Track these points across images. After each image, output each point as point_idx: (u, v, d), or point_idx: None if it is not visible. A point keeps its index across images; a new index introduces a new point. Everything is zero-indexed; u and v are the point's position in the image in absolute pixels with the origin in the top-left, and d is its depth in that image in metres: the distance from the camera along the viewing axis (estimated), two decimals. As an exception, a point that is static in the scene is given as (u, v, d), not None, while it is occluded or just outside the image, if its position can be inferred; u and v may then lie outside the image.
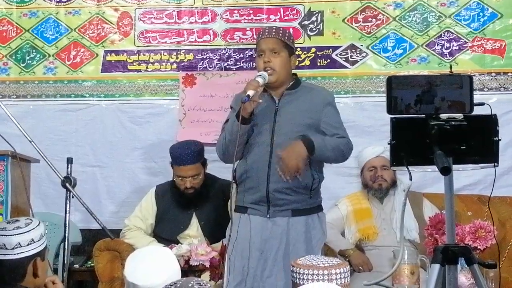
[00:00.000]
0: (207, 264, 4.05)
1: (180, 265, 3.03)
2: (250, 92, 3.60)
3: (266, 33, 3.87)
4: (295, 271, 2.61)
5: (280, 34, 3.85)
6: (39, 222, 2.83)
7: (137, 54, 5.60)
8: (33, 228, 2.79)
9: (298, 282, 2.59)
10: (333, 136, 3.79)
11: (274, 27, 3.95)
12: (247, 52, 5.40)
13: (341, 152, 3.79)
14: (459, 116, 2.52)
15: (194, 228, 4.56)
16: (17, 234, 2.76)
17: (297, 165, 3.64)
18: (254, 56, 4.44)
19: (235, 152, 3.66)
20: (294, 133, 3.75)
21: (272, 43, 3.82)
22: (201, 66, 5.55)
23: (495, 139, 2.57)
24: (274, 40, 3.82)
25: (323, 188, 4.52)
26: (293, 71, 3.99)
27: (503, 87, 5.31)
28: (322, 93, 3.98)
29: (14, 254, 2.75)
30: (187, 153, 4.46)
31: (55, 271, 4.43)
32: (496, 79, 5.32)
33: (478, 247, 3.92)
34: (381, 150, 4.71)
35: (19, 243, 2.75)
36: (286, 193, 3.75)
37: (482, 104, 2.62)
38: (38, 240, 2.80)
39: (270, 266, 3.74)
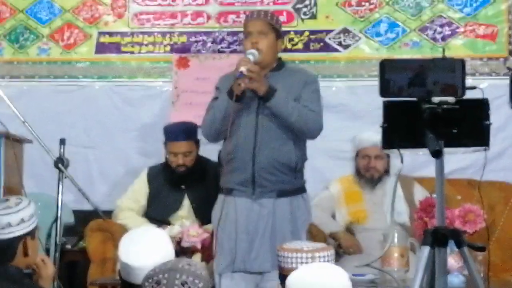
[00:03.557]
0: (199, 246, 4.06)
1: (172, 246, 3.03)
2: (243, 69, 3.60)
3: (254, 15, 3.91)
4: (280, 254, 2.64)
5: (268, 17, 3.88)
6: (30, 202, 2.82)
7: (131, 36, 5.57)
8: (23, 208, 2.78)
9: (282, 265, 2.63)
10: (304, 107, 3.77)
11: (262, 10, 3.97)
12: (240, 35, 5.34)
13: (303, 119, 3.73)
14: (451, 99, 2.51)
15: (186, 209, 4.57)
16: (7, 214, 2.74)
17: (254, 77, 3.63)
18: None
19: (228, 130, 3.67)
20: None
21: (260, 25, 3.83)
22: (194, 49, 5.52)
23: (486, 123, 2.57)
24: (261, 22, 3.84)
25: (314, 171, 4.54)
26: (285, 54, 3.99)
27: (494, 72, 5.30)
28: (304, 74, 4.01)
29: (5, 233, 2.73)
30: (180, 129, 4.51)
31: (47, 251, 4.42)
32: (487, 64, 5.31)
33: (468, 230, 3.93)
34: (378, 138, 4.67)
35: (9, 223, 2.74)
36: (271, 173, 3.76)
37: (474, 88, 2.62)
38: (29, 220, 2.78)
39: (256, 248, 3.75)
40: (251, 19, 3.89)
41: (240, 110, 3.77)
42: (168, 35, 5.55)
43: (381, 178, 4.71)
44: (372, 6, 5.42)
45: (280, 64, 3.93)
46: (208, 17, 5.52)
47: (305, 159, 3.90)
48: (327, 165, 5.19)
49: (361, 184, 4.75)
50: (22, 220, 2.77)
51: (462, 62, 2.56)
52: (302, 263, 2.54)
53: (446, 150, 2.49)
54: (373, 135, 4.68)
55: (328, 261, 2.58)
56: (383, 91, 2.55)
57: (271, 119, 3.77)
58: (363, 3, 5.42)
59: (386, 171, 4.72)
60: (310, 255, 2.55)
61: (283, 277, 2.61)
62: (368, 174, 4.71)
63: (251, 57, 3.72)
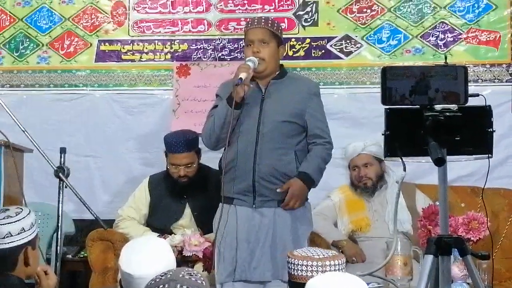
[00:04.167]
0: (200, 255, 4.05)
1: (173, 256, 3.02)
2: (243, 75, 3.62)
3: (255, 23, 3.88)
4: (290, 261, 2.64)
5: (269, 24, 3.85)
6: (30, 211, 2.82)
7: (131, 44, 5.59)
8: (24, 217, 2.78)
9: (293, 272, 2.62)
10: (317, 144, 3.85)
11: (263, 17, 3.96)
12: (241, 42, 5.35)
13: (326, 164, 3.91)
14: (454, 107, 2.51)
15: (187, 218, 4.56)
16: (8, 223, 2.74)
17: (300, 203, 3.79)
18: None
19: (227, 137, 3.69)
20: (280, 123, 3.78)
21: (261, 33, 3.82)
22: (195, 56, 5.53)
23: (489, 130, 2.57)
24: (263, 30, 3.83)
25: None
26: (287, 61, 3.99)
27: (497, 79, 5.30)
28: (307, 83, 4.04)
29: (5, 243, 2.73)
30: (181, 141, 4.47)
31: (48, 261, 4.42)
32: (490, 70, 5.31)
33: (471, 238, 3.92)
34: (361, 147, 4.67)
35: (10, 232, 2.74)
36: (272, 182, 3.75)
37: (477, 95, 2.62)
38: (29, 229, 2.78)
39: (257, 257, 3.74)
40: (252, 27, 3.87)
41: (241, 118, 3.77)
42: (168, 43, 5.56)
43: (376, 186, 4.70)
44: (373, 13, 5.43)
45: (283, 72, 3.93)
46: (209, 25, 5.53)
47: None
48: (329, 173, 5.14)
49: (357, 194, 4.74)
50: (23, 230, 2.77)
51: (464, 69, 2.56)
52: (312, 271, 2.54)
53: (449, 157, 2.49)
54: (357, 144, 4.68)
55: (339, 269, 2.57)
56: (385, 99, 2.54)
57: (273, 128, 3.77)
58: (364, 10, 5.43)
59: (380, 178, 4.70)
60: (321, 263, 2.54)
61: (292, 284, 2.60)
62: (361, 184, 4.70)
63: (250, 64, 3.72)
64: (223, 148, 3.87)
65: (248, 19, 4.08)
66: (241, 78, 3.62)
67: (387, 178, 4.72)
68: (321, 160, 3.85)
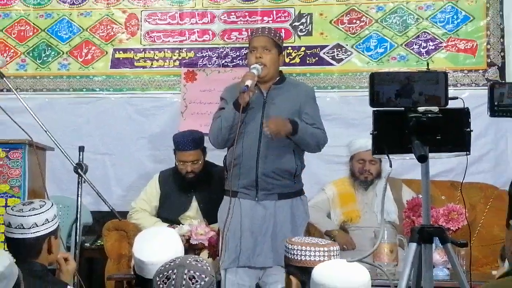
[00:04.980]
0: (206, 243, 4.06)
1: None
2: (249, 82, 3.63)
3: (259, 32, 3.91)
4: (297, 248, 2.59)
5: (272, 34, 3.88)
6: (52, 203, 2.83)
7: (143, 52, 5.59)
8: (47, 209, 2.79)
9: (304, 259, 2.58)
10: (311, 125, 3.81)
11: (266, 27, 3.98)
12: (243, 50, 5.38)
13: (317, 140, 3.82)
14: (435, 109, 2.51)
15: (194, 210, 4.57)
16: (33, 214, 2.75)
17: (278, 131, 3.68)
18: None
19: (235, 138, 3.72)
20: None
21: (264, 41, 3.83)
22: (201, 63, 5.53)
23: (467, 130, 2.57)
24: (266, 39, 3.84)
25: (311, 174, 4.53)
26: (283, 68, 4.01)
27: (474, 83, 5.31)
28: (305, 88, 4.06)
29: (31, 233, 2.74)
30: (188, 140, 4.49)
31: (67, 249, 4.43)
32: (468, 75, 5.32)
33: (451, 228, 3.94)
34: None
35: (35, 223, 2.75)
36: (273, 178, 3.76)
37: (456, 98, 2.62)
38: (52, 220, 2.80)
39: (260, 245, 3.75)
40: (256, 35, 3.89)
41: (246, 120, 3.77)
42: (177, 51, 5.56)
43: (373, 181, 4.71)
44: (362, 24, 5.43)
45: (282, 78, 3.94)
46: (214, 35, 5.53)
47: (303, 166, 3.92)
48: (322, 169, 5.19)
49: (355, 186, 4.75)
50: (47, 220, 2.78)
51: (445, 75, 2.56)
52: (320, 255, 2.56)
53: (431, 155, 2.49)
54: (368, 141, 4.67)
55: (337, 255, 2.60)
56: (373, 101, 2.54)
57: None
58: (354, 21, 5.43)
59: (378, 175, 4.72)
60: (327, 249, 2.58)
61: (303, 269, 2.58)
62: (362, 177, 4.71)
63: (255, 71, 3.74)
64: (227, 147, 3.88)
65: (252, 29, 4.10)
66: (247, 86, 3.63)
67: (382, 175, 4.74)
68: (314, 131, 3.80)
